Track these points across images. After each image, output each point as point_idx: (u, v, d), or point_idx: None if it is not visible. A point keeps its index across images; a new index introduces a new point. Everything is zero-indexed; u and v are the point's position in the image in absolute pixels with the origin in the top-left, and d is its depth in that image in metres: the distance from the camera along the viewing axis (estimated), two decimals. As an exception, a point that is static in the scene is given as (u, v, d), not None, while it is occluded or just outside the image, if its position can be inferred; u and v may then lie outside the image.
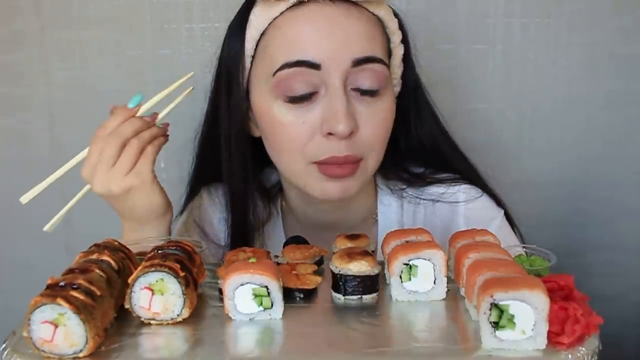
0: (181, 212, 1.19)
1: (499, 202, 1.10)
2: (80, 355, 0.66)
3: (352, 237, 0.88)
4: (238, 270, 0.73)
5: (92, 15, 1.42)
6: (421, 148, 1.11)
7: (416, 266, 0.77)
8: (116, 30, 1.42)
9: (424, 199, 1.10)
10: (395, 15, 1.04)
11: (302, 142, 0.96)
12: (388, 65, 0.99)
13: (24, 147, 1.50)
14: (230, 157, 1.06)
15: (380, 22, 1.00)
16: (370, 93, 0.96)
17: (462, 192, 1.09)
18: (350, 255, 0.79)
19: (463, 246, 0.79)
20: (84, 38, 1.43)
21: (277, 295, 0.74)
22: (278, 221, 1.15)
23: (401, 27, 1.04)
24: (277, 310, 0.74)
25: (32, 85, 1.45)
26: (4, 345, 0.68)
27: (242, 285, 0.73)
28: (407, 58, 1.07)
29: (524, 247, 0.87)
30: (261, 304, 0.73)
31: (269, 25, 0.98)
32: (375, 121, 0.97)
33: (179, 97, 1.01)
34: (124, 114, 0.94)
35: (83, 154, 0.96)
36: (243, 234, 1.09)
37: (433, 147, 1.11)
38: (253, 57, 1.01)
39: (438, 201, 1.09)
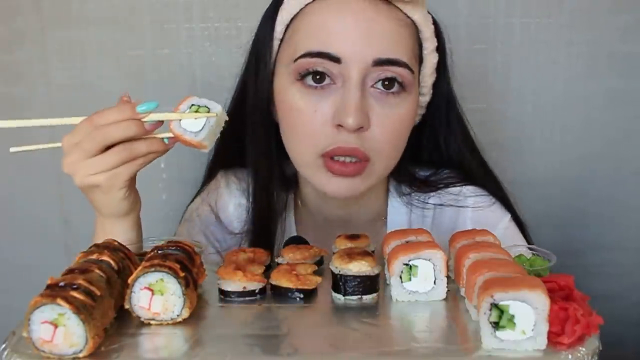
0: (195, 197, 1.18)
1: (509, 207, 1.10)
2: (80, 355, 0.66)
3: (352, 237, 0.88)
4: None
5: (92, 15, 1.41)
6: (448, 162, 1.11)
7: (416, 266, 0.77)
8: (116, 30, 1.42)
9: (433, 204, 1.10)
10: (434, 22, 1.03)
11: (312, 130, 0.96)
12: (413, 71, 0.97)
13: (24, 147, 1.50)
14: (255, 140, 1.06)
15: (414, 26, 0.99)
16: (391, 94, 0.96)
17: (471, 196, 1.09)
18: (350, 255, 0.79)
19: (463, 246, 0.79)
20: (84, 38, 1.42)
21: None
22: (291, 213, 1.15)
23: (438, 34, 1.03)
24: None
25: (32, 85, 1.45)
26: (4, 345, 0.68)
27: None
28: (441, 68, 1.05)
29: (529, 247, 0.86)
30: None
31: (299, 10, 0.98)
32: (388, 123, 0.96)
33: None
34: (126, 114, 0.84)
35: (75, 120, 0.88)
36: (266, 223, 1.09)
37: (460, 163, 1.11)
38: (281, 40, 1.01)
39: (450, 206, 1.09)
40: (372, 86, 0.95)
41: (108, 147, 0.84)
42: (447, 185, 1.10)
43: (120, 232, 0.92)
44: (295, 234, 1.13)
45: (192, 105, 0.85)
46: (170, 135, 0.85)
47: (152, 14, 1.42)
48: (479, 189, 1.10)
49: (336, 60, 0.94)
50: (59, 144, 0.87)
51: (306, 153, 0.99)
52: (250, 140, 1.07)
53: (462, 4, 1.42)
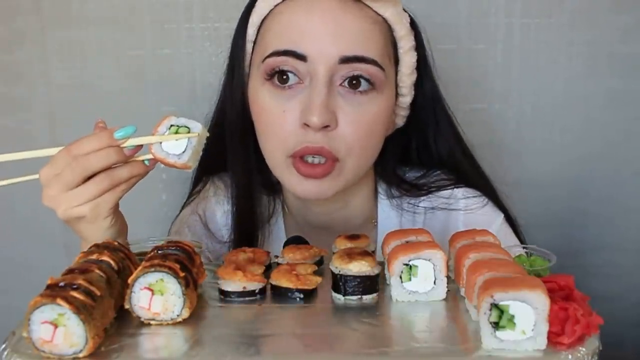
0: (182, 209, 1.17)
1: (501, 207, 1.09)
2: (80, 355, 0.66)
3: (352, 237, 0.88)
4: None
5: (92, 15, 1.42)
6: (439, 162, 1.10)
7: (416, 266, 0.77)
8: (116, 30, 1.42)
9: (423, 207, 1.09)
10: (412, 22, 1.02)
11: (281, 130, 0.95)
12: (384, 69, 0.96)
13: (24, 147, 1.49)
14: (233, 144, 1.05)
15: (385, 24, 0.98)
16: (358, 92, 0.95)
17: (463, 198, 1.08)
18: (350, 255, 0.79)
19: (463, 246, 0.79)
20: (84, 38, 1.43)
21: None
22: (280, 219, 1.14)
23: (415, 33, 1.03)
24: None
25: (32, 85, 1.45)
26: (4, 346, 0.68)
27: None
28: (422, 67, 1.04)
29: (524, 247, 0.87)
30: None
31: (270, 11, 0.99)
32: (357, 121, 0.95)
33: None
34: (104, 142, 0.82)
35: (52, 151, 0.86)
36: (248, 229, 1.08)
37: (451, 163, 1.10)
38: (254, 42, 1.01)
39: (441, 209, 1.08)
40: (340, 85, 0.95)
41: (89, 176, 0.83)
42: (438, 189, 1.09)
43: None
44: (285, 240, 1.11)
45: (172, 125, 0.83)
46: (151, 156, 0.84)
47: (152, 14, 1.42)
48: (470, 190, 1.09)
49: (302, 58, 0.93)
50: (35, 176, 0.85)
51: (276, 154, 0.98)
52: (228, 144, 1.06)
53: (462, 4, 1.42)
